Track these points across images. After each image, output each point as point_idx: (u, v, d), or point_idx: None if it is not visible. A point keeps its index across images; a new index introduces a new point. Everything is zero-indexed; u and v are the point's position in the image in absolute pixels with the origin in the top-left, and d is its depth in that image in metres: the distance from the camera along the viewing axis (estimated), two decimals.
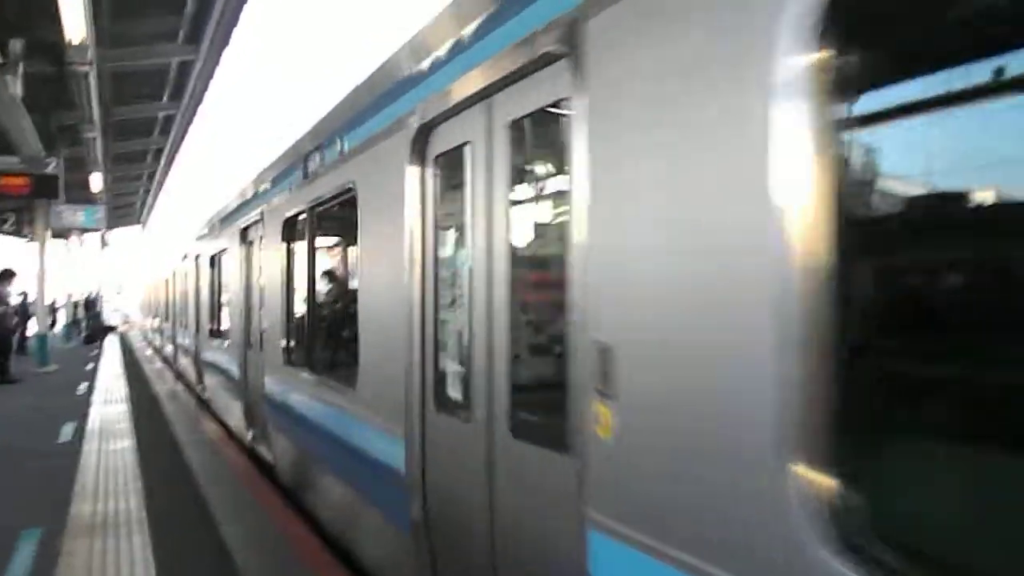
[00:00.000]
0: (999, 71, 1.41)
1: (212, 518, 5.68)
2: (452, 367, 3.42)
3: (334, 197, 5.15)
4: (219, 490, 6.48)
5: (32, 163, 14.07)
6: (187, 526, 5.54)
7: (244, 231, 8.36)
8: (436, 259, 3.62)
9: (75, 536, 5.26)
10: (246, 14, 14.55)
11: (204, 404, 11.55)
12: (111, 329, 35.77)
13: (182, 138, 21.09)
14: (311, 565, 4.63)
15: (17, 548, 5.05)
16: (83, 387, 14.24)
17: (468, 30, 3.17)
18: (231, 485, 6.65)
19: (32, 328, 20.36)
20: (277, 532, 5.29)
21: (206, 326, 11.35)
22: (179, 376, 15.56)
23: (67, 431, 9.55)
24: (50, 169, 14.07)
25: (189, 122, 19.35)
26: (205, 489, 6.52)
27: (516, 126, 2.95)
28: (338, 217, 5.70)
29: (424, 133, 3.63)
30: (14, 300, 14.96)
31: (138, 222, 43.70)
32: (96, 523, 5.58)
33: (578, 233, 2.35)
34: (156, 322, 23.39)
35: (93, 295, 33.42)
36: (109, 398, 12.64)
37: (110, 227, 30.13)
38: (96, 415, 10.75)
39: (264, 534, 5.26)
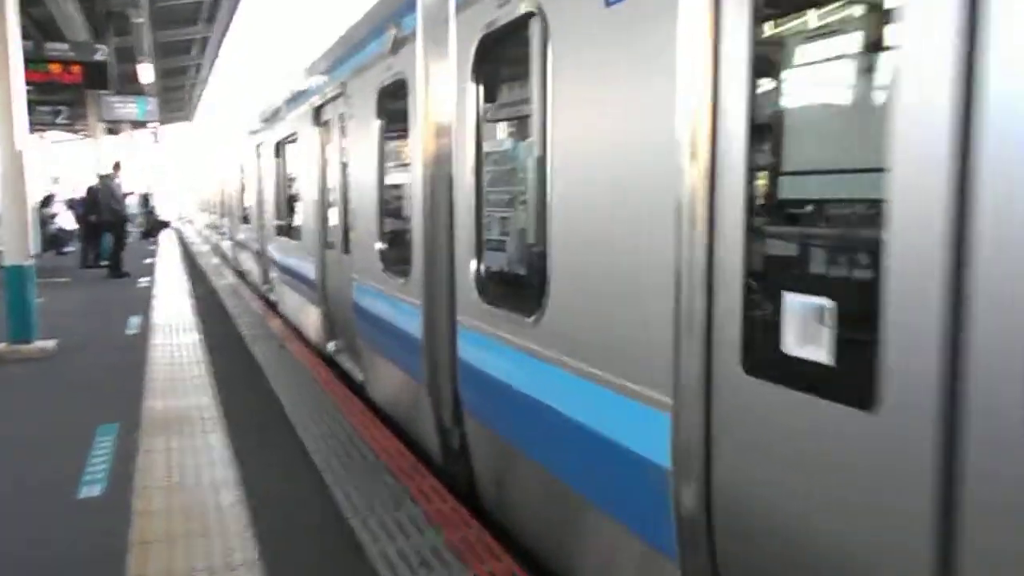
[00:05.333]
0: None
1: (285, 415, 5.51)
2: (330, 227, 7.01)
3: (292, 135, 8.22)
4: (289, 387, 6.32)
5: (81, 50, 13.64)
6: (262, 424, 5.38)
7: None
8: (326, 182, 7.16)
9: (151, 432, 5.13)
10: None
11: (271, 304, 11.06)
12: (166, 224, 36.25)
13: (228, 26, 20.36)
14: (387, 458, 4.42)
15: (95, 443, 4.94)
16: (144, 280, 14.33)
17: (326, 67, 6.80)
18: (301, 382, 6.48)
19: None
20: (351, 431, 5.09)
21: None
22: (239, 273, 15.54)
23: (134, 323, 9.54)
24: (99, 56, 13.64)
25: (235, 7, 18.59)
26: (275, 385, 6.37)
27: (339, 118, 6.53)
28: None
29: (318, 110, 7.24)
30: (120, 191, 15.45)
31: (187, 118, 43.52)
32: (171, 418, 5.46)
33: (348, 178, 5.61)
34: (213, 218, 23.43)
35: (147, 191, 33.67)
36: (170, 291, 12.67)
37: (162, 122, 29.94)
38: (160, 308, 10.74)
39: (339, 436, 5.06)
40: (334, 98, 6.69)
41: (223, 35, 21.31)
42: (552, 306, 3.05)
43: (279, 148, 9.98)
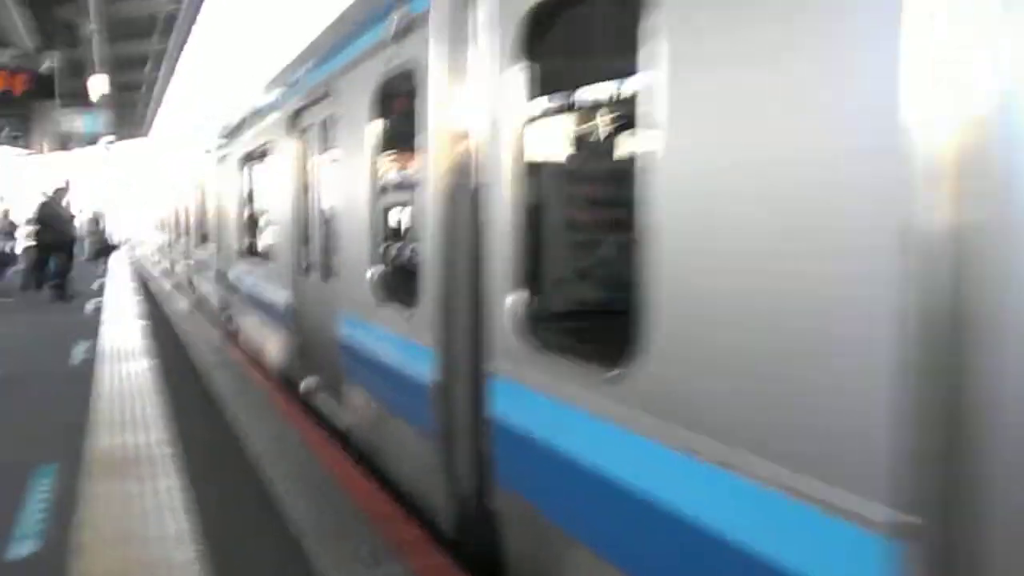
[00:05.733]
0: None
1: (247, 454, 5.01)
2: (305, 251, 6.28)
3: (262, 146, 7.59)
4: (251, 422, 5.79)
5: (27, 59, 12.92)
6: (219, 465, 4.87)
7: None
8: (302, 198, 6.29)
9: (96, 475, 4.58)
10: None
11: (230, 333, 10.16)
12: (115, 247, 35.13)
13: (185, 40, 19.73)
14: (364, 506, 3.96)
15: (30, 491, 4.38)
16: (92, 305, 13.57)
17: (305, 67, 6.08)
18: (265, 417, 5.95)
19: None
20: (322, 473, 4.62)
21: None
22: (196, 299, 14.73)
23: (79, 352, 8.88)
24: (46, 66, 12.93)
25: (192, 21, 18.01)
26: (236, 420, 5.84)
27: (321, 125, 5.74)
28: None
29: (293, 117, 6.42)
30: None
31: (142, 134, 42.42)
32: (117, 459, 4.91)
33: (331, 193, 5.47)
34: (167, 238, 22.51)
35: (97, 211, 32.53)
36: (120, 317, 11.96)
37: (114, 138, 28.99)
38: (108, 335, 10.06)
39: (309, 479, 4.57)
40: (315, 101, 5.85)
41: (180, 48, 20.67)
42: (658, 358, 2.17)
43: (244, 162, 9.10)
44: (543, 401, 2.81)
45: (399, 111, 4.25)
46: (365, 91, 4.58)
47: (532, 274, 3.04)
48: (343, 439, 5.28)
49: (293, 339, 6.66)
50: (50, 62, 12.88)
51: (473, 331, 3.32)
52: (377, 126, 4.54)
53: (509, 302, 3.03)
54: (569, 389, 2.63)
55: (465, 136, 3.38)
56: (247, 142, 8.74)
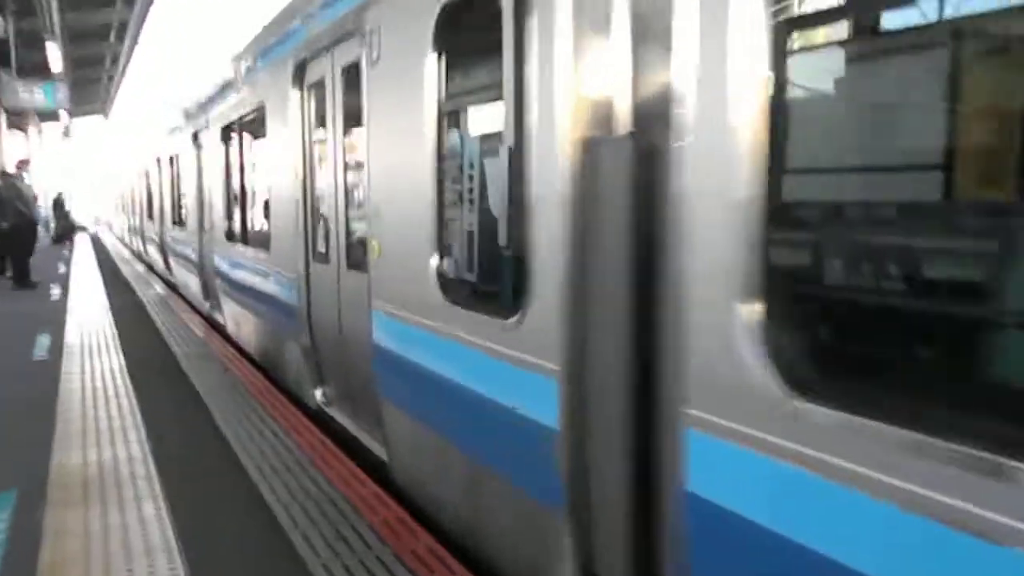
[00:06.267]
0: None
1: (241, 467, 4.30)
2: (321, 234, 5.27)
3: (255, 110, 6.62)
4: (243, 428, 5.07)
5: None
6: (213, 484, 4.15)
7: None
8: (314, 169, 5.42)
9: (62, 503, 3.84)
10: None
11: (216, 327, 9.18)
12: (81, 229, 33.93)
13: (147, 10, 18.54)
14: (383, 531, 3.30)
15: None
16: (56, 291, 12.64)
17: (307, 18, 5.08)
18: (258, 419, 5.23)
19: None
20: (336, 492, 3.93)
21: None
22: (171, 285, 13.72)
23: (43, 344, 8.04)
24: None
25: None
26: (224, 426, 5.12)
27: (343, 73, 4.69)
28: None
29: (300, 68, 5.37)
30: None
31: (101, 112, 40.78)
32: (89, 481, 4.16)
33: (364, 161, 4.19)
34: (135, 221, 21.33)
35: (60, 193, 31.21)
36: (88, 304, 11.08)
37: (72, 115, 27.63)
38: (75, 325, 9.21)
39: (313, 496, 3.89)
40: (332, 45, 4.77)
41: (143, 17, 19.46)
42: None
43: (229, 132, 8.04)
44: (821, 487, 1.70)
45: (478, 38, 3.20)
46: (422, 17, 3.41)
47: (786, 273, 2.00)
48: (364, 460, 4.48)
49: (302, 339, 5.61)
50: (2, 26, 11.82)
51: (638, 355, 2.24)
52: (441, 63, 3.39)
53: (738, 316, 1.88)
54: (906, 483, 1.54)
55: (615, 66, 2.30)
56: (236, 108, 7.60)
